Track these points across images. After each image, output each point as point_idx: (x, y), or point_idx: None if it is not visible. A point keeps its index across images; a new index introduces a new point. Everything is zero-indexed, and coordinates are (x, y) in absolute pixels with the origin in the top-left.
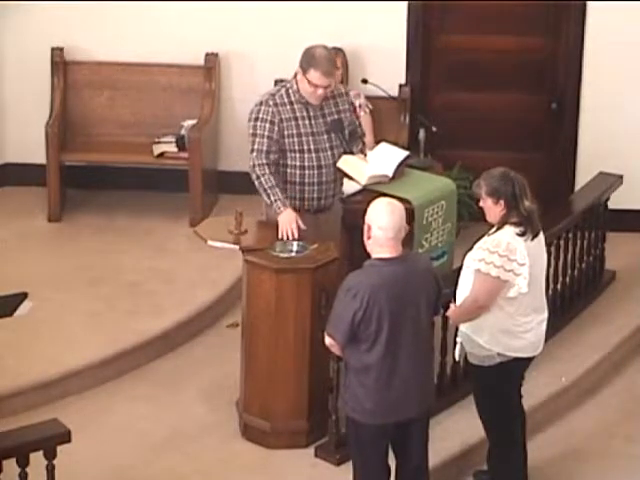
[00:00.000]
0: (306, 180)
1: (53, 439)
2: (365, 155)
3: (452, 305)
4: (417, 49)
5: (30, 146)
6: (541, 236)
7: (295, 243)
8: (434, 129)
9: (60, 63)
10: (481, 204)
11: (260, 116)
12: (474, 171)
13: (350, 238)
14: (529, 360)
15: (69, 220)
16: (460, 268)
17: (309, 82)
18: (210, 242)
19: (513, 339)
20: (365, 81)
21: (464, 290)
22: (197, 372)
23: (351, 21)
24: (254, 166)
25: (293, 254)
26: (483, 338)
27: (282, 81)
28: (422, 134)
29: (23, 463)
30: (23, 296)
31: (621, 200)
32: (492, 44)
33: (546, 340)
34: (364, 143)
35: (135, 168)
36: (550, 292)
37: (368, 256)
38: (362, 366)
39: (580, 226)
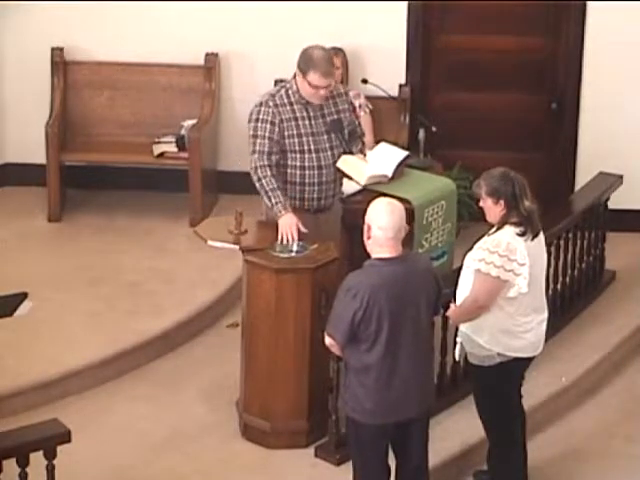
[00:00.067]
0: (306, 180)
1: (53, 439)
2: (364, 155)
3: (452, 305)
4: (417, 49)
5: (30, 146)
6: (541, 236)
7: (295, 243)
8: (434, 129)
9: (60, 63)
10: (481, 204)
11: (260, 117)
12: (474, 171)
13: (350, 238)
14: (529, 360)
15: (69, 220)
16: (460, 268)
17: (309, 84)
18: (210, 242)
19: (513, 339)
20: (365, 81)
21: (464, 290)
22: (197, 372)
23: (351, 21)
24: (256, 168)
25: (293, 254)
26: (483, 338)
27: (282, 81)
28: (422, 134)
29: (23, 463)
30: (23, 296)
31: (621, 200)
32: (492, 44)
33: (546, 340)
34: (363, 143)
35: (135, 168)
36: (550, 292)
37: (368, 256)
38: (362, 366)
39: (580, 226)
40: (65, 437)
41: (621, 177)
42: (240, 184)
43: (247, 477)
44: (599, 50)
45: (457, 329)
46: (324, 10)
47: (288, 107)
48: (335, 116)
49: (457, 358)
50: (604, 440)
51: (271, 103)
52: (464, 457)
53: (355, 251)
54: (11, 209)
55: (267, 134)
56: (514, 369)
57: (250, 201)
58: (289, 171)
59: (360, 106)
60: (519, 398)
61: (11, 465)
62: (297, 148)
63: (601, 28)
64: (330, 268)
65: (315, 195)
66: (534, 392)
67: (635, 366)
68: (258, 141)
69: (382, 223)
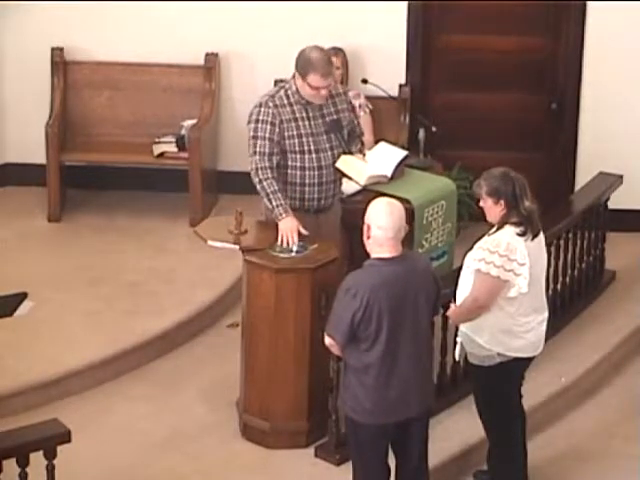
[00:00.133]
0: (307, 181)
1: (53, 439)
2: (364, 155)
3: (452, 305)
4: (417, 49)
5: (30, 146)
6: (541, 236)
7: (295, 244)
8: (434, 129)
9: (60, 63)
10: (481, 204)
11: (260, 118)
12: (474, 171)
13: (350, 238)
14: (529, 360)
15: (69, 220)
16: (460, 268)
17: (310, 86)
18: (210, 242)
19: (513, 339)
20: (365, 81)
21: (464, 290)
22: (197, 372)
23: (351, 21)
24: (257, 169)
25: (293, 254)
26: (483, 338)
27: (282, 81)
28: (422, 134)
29: (23, 463)
30: (23, 296)
31: (621, 200)
32: (492, 44)
33: (546, 340)
34: (362, 142)
35: (135, 168)
36: (550, 292)
37: (368, 256)
38: (362, 366)
39: (580, 226)
40: (65, 437)
41: (621, 177)
42: (240, 184)
43: (247, 477)
44: (599, 50)
45: (457, 329)
46: (324, 10)
47: (288, 108)
48: (334, 116)
49: (457, 358)
50: (604, 440)
51: (271, 104)
52: (464, 457)
53: (355, 251)
54: (11, 209)
55: (267, 135)
56: (514, 369)
57: (250, 201)
58: (289, 172)
59: (360, 106)
60: (519, 398)
61: (11, 465)
62: (297, 149)
63: (601, 28)
64: (330, 268)
65: (315, 195)
66: (534, 392)
67: (635, 366)
68: (259, 142)
69: (382, 223)
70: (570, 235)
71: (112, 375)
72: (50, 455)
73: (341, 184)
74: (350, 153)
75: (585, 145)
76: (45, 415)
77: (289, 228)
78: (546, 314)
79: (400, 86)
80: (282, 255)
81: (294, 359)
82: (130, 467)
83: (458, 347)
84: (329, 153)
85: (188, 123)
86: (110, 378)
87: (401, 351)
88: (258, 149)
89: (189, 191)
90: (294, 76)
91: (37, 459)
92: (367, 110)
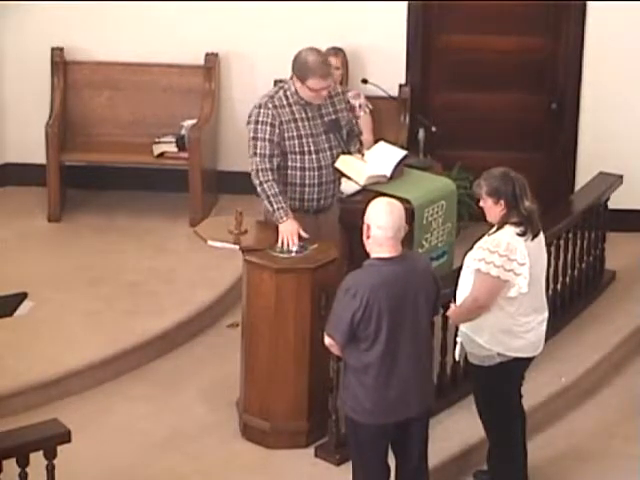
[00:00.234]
0: (306, 181)
1: (53, 439)
2: (363, 155)
3: (452, 305)
4: (417, 49)
5: (30, 146)
6: (541, 236)
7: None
8: (434, 129)
9: (60, 63)
10: (481, 204)
11: (260, 119)
12: (474, 171)
13: (349, 238)
14: (529, 360)
15: (69, 220)
16: (460, 268)
17: (310, 89)
18: (210, 242)
19: (513, 339)
20: (365, 81)
21: (464, 290)
22: (197, 372)
23: (351, 21)
24: (257, 171)
25: (293, 254)
26: (483, 338)
27: (282, 81)
28: (422, 134)
29: (23, 463)
30: (23, 296)
31: (621, 200)
32: (492, 44)
33: (546, 340)
34: (361, 142)
35: (135, 168)
36: (550, 292)
37: (367, 256)
38: (361, 365)
39: (580, 226)
40: (65, 437)
41: (621, 177)
42: (240, 184)
43: (247, 477)
44: (599, 50)
45: (457, 329)
46: (324, 10)
47: (287, 109)
48: (333, 116)
49: (457, 358)
50: (604, 440)
51: (270, 105)
52: (464, 457)
53: (355, 251)
54: (11, 209)
55: (267, 136)
56: (514, 369)
57: (250, 201)
58: (289, 172)
59: (360, 106)
60: (519, 398)
61: (11, 465)
62: (297, 149)
63: (601, 28)
64: (330, 268)
65: (315, 196)
66: (534, 392)
67: (635, 366)
68: (259, 144)
69: (381, 223)
70: (570, 235)
71: (112, 375)
72: (50, 455)
73: (340, 184)
74: (349, 153)
75: (585, 145)
76: (45, 415)
77: (289, 231)
78: (546, 314)
79: (400, 86)
80: (282, 255)
81: (294, 359)
82: (130, 467)
83: (458, 347)
84: (328, 153)
85: (188, 123)
86: (110, 378)
87: (401, 351)
88: (258, 150)
89: (189, 191)
90: (292, 77)
91: (37, 459)
92: (367, 110)
